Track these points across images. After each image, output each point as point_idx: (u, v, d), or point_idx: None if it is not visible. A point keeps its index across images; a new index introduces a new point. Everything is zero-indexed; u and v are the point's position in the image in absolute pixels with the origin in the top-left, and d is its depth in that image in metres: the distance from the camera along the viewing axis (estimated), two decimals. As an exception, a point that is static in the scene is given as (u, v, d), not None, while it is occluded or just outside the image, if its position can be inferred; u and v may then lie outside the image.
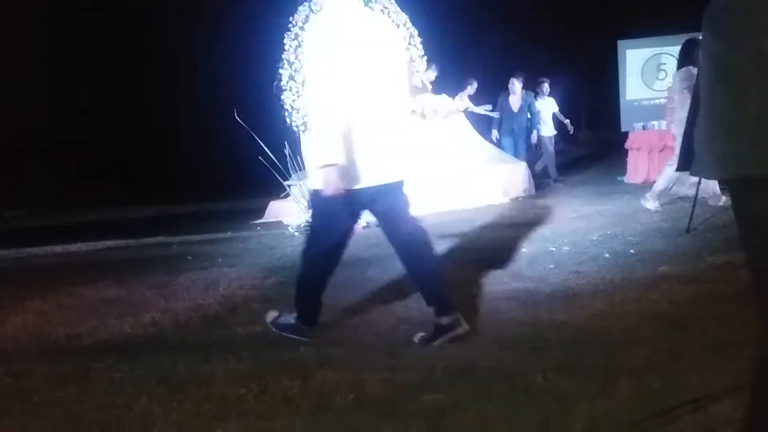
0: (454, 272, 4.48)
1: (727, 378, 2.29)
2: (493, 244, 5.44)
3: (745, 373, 2.33)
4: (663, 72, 10.50)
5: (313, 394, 2.59)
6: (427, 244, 3.20)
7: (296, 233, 7.40)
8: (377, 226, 7.42)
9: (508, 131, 10.22)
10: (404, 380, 2.64)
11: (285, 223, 8.09)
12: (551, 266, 4.43)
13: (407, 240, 3.16)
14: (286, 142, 7.65)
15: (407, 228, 3.16)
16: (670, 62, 10.86)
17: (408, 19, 8.49)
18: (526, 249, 5.07)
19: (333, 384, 2.67)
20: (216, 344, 3.37)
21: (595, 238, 5.28)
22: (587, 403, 2.22)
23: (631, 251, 4.66)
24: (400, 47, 3.33)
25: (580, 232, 5.62)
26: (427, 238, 3.22)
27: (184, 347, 3.38)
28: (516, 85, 10.22)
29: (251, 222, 8.73)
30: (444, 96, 9.07)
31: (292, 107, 7.47)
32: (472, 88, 9.99)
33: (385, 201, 3.14)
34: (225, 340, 3.42)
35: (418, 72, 8.94)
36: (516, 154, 9.98)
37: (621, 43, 11.00)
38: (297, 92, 7.42)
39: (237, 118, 7.33)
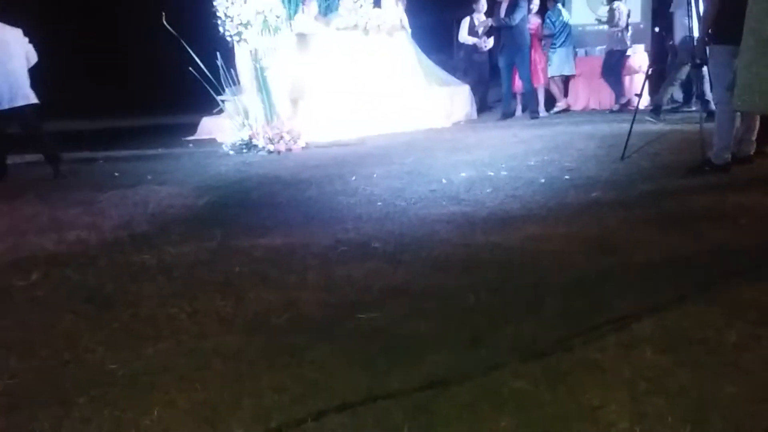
0: (391, 196, 4.47)
1: (649, 298, 2.40)
2: (430, 169, 5.44)
3: (667, 294, 2.44)
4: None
5: (247, 314, 2.55)
6: None
7: (231, 151, 7.18)
8: (317, 147, 7.31)
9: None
10: (339, 299, 2.63)
11: (218, 140, 7.82)
12: (488, 190, 4.48)
13: None
14: (218, 53, 7.27)
15: None
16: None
17: None
18: (465, 173, 5.09)
19: (267, 303, 2.64)
20: (146, 264, 3.26)
21: (532, 163, 5.35)
22: (515, 322, 2.29)
23: (566, 177, 4.75)
24: None
25: (518, 158, 5.68)
26: None
27: (112, 266, 3.26)
28: None
29: (183, 138, 8.40)
30: (389, 6, 8.75)
31: (225, 15, 7.05)
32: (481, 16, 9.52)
33: None
34: (155, 260, 3.32)
35: None
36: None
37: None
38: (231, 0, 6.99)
39: (165, 23, 6.86)
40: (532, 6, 9.10)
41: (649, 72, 7.03)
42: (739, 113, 4.47)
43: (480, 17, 9.62)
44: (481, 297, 2.54)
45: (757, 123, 4.68)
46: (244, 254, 3.32)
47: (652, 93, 8.59)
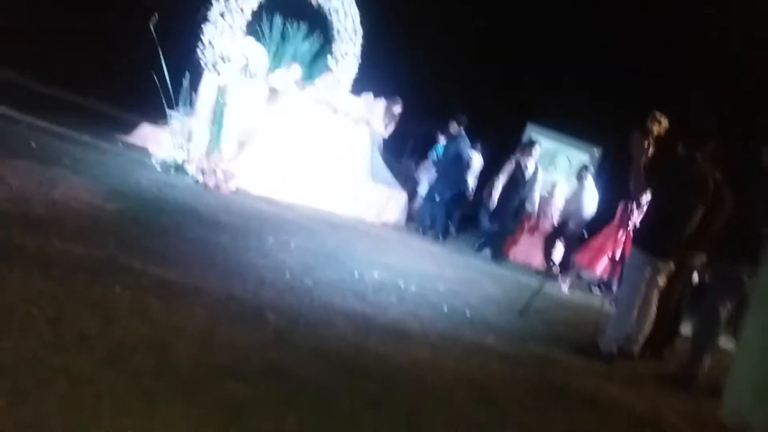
0: (301, 271, 4.39)
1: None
2: (347, 258, 5.43)
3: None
4: (553, 168, 11.23)
5: (111, 341, 2.36)
6: None
7: (159, 167, 6.93)
8: (246, 195, 7.15)
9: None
10: (213, 360, 2.49)
11: (150, 151, 7.56)
12: (394, 300, 4.48)
13: None
14: (187, 73, 7.18)
15: None
16: (562, 163, 11.61)
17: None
18: (377, 275, 5.11)
19: (138, 337, 2.46)
20: (26, 249, 3.00)
21: (441, 289, 5.44)
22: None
23: (467, 313, 4.84)
24: None
25: (430, 277, 5.77)
26: None
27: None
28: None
29: (116, 135, 8.06)
30: (364, 100, 9.01)
31: (210, 42, 7.04)
32: (397, 107, 9.76)
33: None
34: (37, 248, 3.06)
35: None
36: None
37: (530, 126, 11.63)
38: (222, 31, 7.01)
39: (150, 26, 6.77)
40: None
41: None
42: (635, 310, 4.74)
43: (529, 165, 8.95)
44: (356, 408, 2.47)
45: (650, 326, 4.97)
46: (131, 276, 3.11)
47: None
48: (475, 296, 5.65)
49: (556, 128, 11.51)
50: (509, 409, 3.04)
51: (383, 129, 9.51)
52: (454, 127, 9.36)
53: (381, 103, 9.43)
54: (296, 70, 8.42)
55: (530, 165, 8.98)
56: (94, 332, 2.39)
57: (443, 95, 12.71)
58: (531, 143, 9.30)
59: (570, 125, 11.53)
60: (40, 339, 2.20)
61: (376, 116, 9.23)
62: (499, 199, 8.91)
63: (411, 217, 9.93)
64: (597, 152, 11.53)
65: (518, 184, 8.88)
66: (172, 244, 3.99)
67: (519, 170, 8.90)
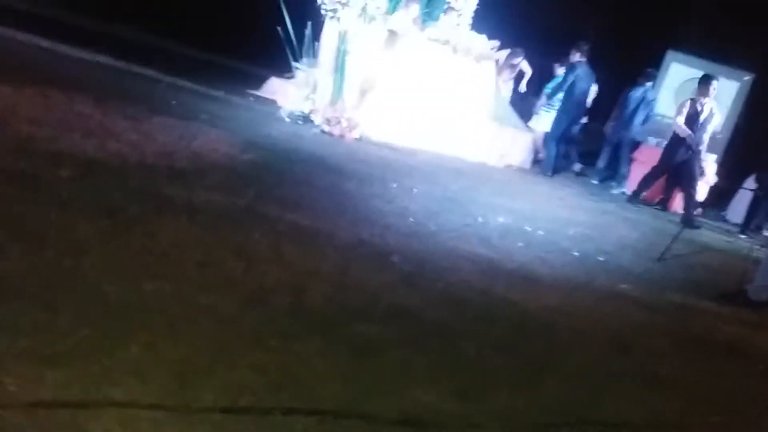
0: (425, 216, 4.41)
1: (650, 415, 2.30)
2: (471, 202, 5.36)
3: (668, 416, 2.35)
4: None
5: (252, 283, 2.52)
6: None
7: (287, 118, 7.18)
8: (369, 143, 7.26)
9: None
10: (345, 302, 2.58)
11: (279, 104, 7.83)
12: (520, 244, 4.39)
13: None
14: (309, 24, 7.29)
15: None
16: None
17: None
18: (503, 219, 5.01)
19: (276, 280, 2.60)
20: (173, 199, 3.25)
21: (571, 233, 5.25)
22: (510, 390, 2.21)
23: (600, 258, 4.64)
24: None
25: (559, 222, 5.58)
26: None
27: (142, 190, 3.25)
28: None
29: (247, 90, 8.42)
30: (483, 39, 8.69)
31: (328, -10, 7.07)
32: (518, 59, 9.32)
33: None
34: (184, 198, 3.30)
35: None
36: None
37: (670, 54, 10.63)
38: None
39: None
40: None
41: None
42: None
43: (706, 105, 7.92)
44: (484, 353, 2.46)
45: None
46: (268, 223, 3.28)
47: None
48: (608, 241, 5.39)
49: (701, 54, 10.39)
50: (648, 358, 2.90)
51: (503, 80, 9.20)
52: (574, 56, 8.76)
53: (502, 54, 9.10)
54: (414, 10, 8.25)
55: (706, 106, 8.05)
56: (237, 276, 2.56)
57: (571, 21, 11.92)
58: (707, 80, 8.02)
59: (716, 50, 10.37)
60: (190, 281, 2.39)
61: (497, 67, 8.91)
62: (666, 146, 8.22)
63: (537, 159, 9.59)
64: (748, 79, 10.31)
65: (691, 125, 8.03)
66: (304, 192, 4.15)
67: (694, 111, 8.03)
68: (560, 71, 9.29)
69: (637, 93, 9.45)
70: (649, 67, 9.85)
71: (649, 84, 9.58)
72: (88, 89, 5.25)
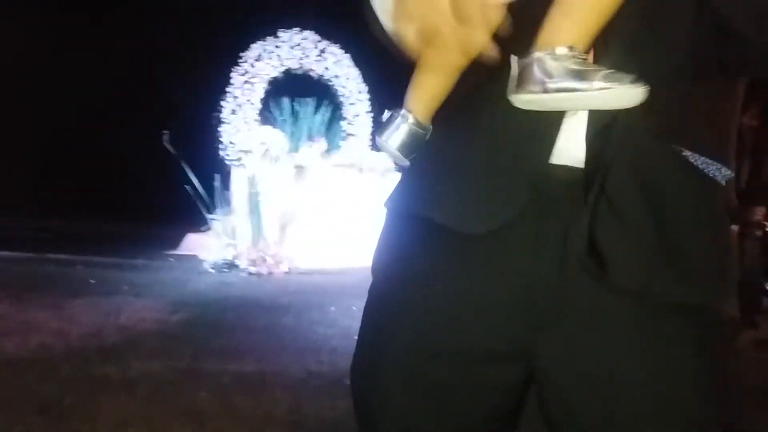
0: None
1: None
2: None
3: None
4: None
5: (207, 445, 2.43)
6: None
7: (212, 270, 7.16)
8: (299, 272, 7.32)
9: None
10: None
11: (201, 258, 7.82)
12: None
13: None
14: (217, 176, 7.49)
15: None
16: None
17: None
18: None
19: (230, 435, 2.52)
20: (109, 378, 3.14)
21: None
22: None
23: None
24: None
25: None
26: None
27: (73, 378, 3.13)
28: None
29: (164, 252, 8.37)
30: (383, 155, 9.20)
31: (230, 142, 7.37)
32: None
33: None
34: (119, 375, 3.19)
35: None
36: None
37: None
38: (237, 128, 7.34)
39: (165, 144, 7.14)
40: None
41: None
42: None
43: None
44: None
45: None
46: (212, 379, 3.20)
47: None
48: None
49: None
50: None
51: None
52: None
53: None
54: (322, 144, 8.72)
55: None
56: (188, 440, 2.46)
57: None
58: None
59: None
60: (141, 458, 2.28)
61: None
62: None
63: None
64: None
65: None
66: (242, 338, 4.09)
67: None
68: None
69: None
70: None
71: None
72: (1, 289, 5.09)
